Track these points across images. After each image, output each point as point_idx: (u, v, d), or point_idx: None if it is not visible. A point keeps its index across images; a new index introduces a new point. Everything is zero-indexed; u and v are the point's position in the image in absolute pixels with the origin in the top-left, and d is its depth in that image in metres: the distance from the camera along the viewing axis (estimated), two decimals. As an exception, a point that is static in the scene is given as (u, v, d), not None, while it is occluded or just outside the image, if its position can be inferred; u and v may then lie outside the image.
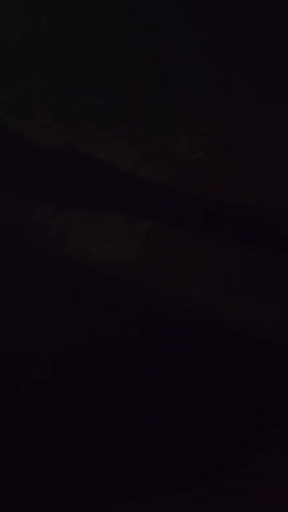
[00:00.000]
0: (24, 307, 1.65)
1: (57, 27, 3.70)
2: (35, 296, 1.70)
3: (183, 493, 1.08)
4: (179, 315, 1.55)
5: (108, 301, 1.63)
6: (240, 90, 3.32)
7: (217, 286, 1.69)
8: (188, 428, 1.22)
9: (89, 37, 4.24)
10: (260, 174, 2.38)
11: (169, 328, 1.52)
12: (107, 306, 1.60)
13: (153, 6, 4.09)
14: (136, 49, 4.07)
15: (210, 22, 3.63)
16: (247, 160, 2.49)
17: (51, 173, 2.38)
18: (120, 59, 3.92)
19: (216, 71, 3.67)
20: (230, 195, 2.22)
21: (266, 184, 2.31)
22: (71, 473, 1.13)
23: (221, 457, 1.17)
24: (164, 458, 1.13)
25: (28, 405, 1.27)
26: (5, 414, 1.24)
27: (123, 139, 2.67)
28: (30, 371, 1.34)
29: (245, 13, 3.28)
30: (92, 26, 4.48)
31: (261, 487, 1.09)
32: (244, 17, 3.33)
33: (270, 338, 1.49)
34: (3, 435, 1.19)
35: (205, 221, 2.04)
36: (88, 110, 3.02)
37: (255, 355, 1.45)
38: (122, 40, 4.28)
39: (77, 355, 1.46)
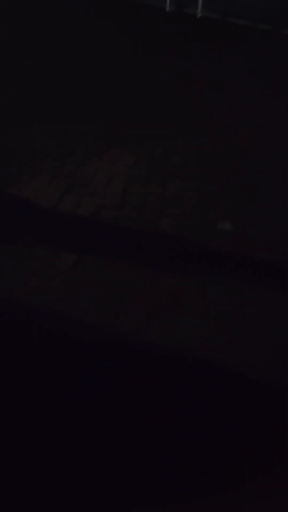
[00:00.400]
0: None
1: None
2: None
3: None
4: (105, 339, 1.60)
5: (34, 332, 1.62)
6: (159, 123, 3.56)
7: (141, 310, 1.77)
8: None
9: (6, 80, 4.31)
10: (180, 199, 2.55)
11: (95, 353, 1.55)
12: (34, 338, 1.59)
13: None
14: (55, 83, 4.21)
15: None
16: (168, 188, 2.66)
17: None
18: (41, 95, 4.02)
19: (136, 102, 3.90)
20: (152, 223, 2.35)
21: (188, 207, 2.48)
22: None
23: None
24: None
25: None
26: None
27: (44, 175, 2.72)
28: None
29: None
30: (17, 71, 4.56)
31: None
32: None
33: (194, 355, 1.59)
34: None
35: (129, 250, 2.14)
36: (8, 147, 3.05)
37: (181, 372, 1.53)
38: (44, 75, 4.40)
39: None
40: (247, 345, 1.66)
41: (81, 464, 1.21)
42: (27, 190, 2.55)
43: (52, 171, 2.77)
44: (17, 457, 1.21)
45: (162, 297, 1.86)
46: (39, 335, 1.64)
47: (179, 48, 6.48)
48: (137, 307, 1.80)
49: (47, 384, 1.45)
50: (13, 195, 2.50)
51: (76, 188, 2.60)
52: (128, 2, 10.93)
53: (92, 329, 1.68)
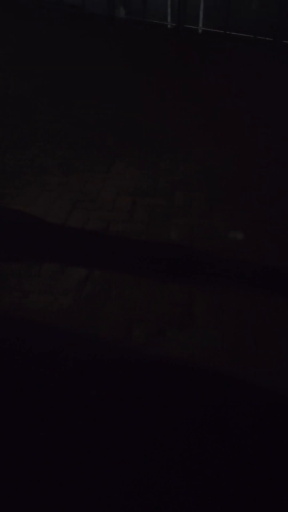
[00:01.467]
0: None
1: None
2: None
3: None
4: (117, 355, 1.56)
5: (47, 350, 1.59)
6: (163, 135, 3.57)
7: (153, 324, 1.73)
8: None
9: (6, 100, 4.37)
10: (188, 209, 2.53)
11: (112, 369, 1.51)
12: (47, 355, 1.56)
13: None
14: (64, 106, 4.27)
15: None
16: (175, 199, 2.65)
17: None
18: (47, 112, 4.08)
19: (141, 119, 3.92)
20: (161, 235, 2.33)
21: (196, 217, 2.46)
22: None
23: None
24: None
25: None
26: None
27: (52, 190, 2.73)
28: None
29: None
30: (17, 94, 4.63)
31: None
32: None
33: (208, 368, 1.54)
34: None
35: (138, 263, 2.12)
36: (16, 164, 3.07)
37: (194, 386, 1.48)
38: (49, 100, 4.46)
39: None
40: (263, 356, 1.61)
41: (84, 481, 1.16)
42: (35, 206, 2.56)
43: (60, 187, 2.78)
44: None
45: (173, 310, 1.83)
46: (49, 352, 1.62)
47: (182, 62, 6.56)
48: (149, 321, 1.77)
49: (57, 401, 1.42)
50: (22, 211, 2.51)
51: (84, 203, 2.60)
52: (130, 21, 11.16)
53: (103, 344, 1.65)
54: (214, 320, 1.77)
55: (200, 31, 9.38)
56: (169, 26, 9.98)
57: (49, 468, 1.23)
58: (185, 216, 2.50)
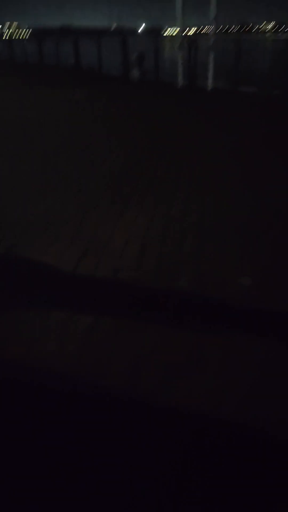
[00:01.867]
0: None
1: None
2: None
3: None
4: (122, 403, 1.52)
5: (51, 396, 1.57)
6: (174, 183, 3.69)
7: (160, 372, 1.70)
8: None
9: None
10: (197, 256, 2.55)
11: (117, 416, 1.47)
12: (51, 402, 1.54)
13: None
14: (69, 157, 4.49)
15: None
16: (184, 246, 2.68)
17: (-8, 278, 2.42)
18: (60, 164, 4.29)
19: (148, 175, 4.06)
20: (170, 282, 2.34)
21: (205, 264, 2.47)
22: None
23: None
24: None
25: None
26: None
27: (64, 239, 2.82)
28: None
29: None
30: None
31: None
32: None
33: (214, 417, 1.48)
34: None
35: (146, 310, 2.12)
36: (30, 215, 3.20)
37: (201, 435, 1.42)
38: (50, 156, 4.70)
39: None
40: (272, 406, 1.54)
41: None
42: (47, 255, 2.62)
43: (71, 236, 2.86)
44: None
45: (180, 358, 1.79)
46: (56, 400, 1.60)
47: (191, 115, 6.88)
48: (156, 369, 1.74)
49: (64, 447, 1.38)
50: (34, 260, 2.57)
51: (94, 251, 2.66)
52: (143, 81, 11.86)
53: (109, 393, 1.62)
54: (222, 369, 1.73)
55: (209, 87, 9.90)
56: (180, 84, 10.59)
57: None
58: (195, 263, 2.51)
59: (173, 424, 1.49)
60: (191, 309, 2.11)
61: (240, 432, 1.46)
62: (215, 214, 3.15)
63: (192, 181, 3.85)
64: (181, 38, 10.16)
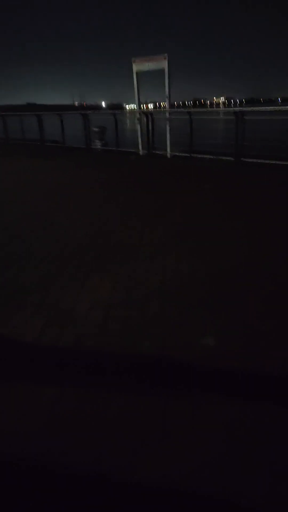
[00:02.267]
0: None
1: None
2: None
3: None
4: (89, 478, 1.44)
5: (10, 477, 1.46)
6: (138, 247, 3.78)
7: (126, 442, 1.63)
8: None
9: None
10: (161, 319, 2.57)
11: (79, 494, 1.37)
12: (11, 481, 1.43)
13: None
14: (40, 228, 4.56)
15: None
16: (148, 309, 2.70)
17: None
18: (23, 231, 4.33)
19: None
20: (134, 346, 2.33)
21: (169, 326, 2.48)
22: None
23: None
24: None
25: None
26: None
27: (27, 308, 2.78)
28: None
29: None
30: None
31: None
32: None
33: (186, 488, 1.42)
34: None
35: (109, 377, 2.08)
36: (-8, 287, 3.16)
37: (174, 508, 1.35)
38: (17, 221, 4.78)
39: None
40: (243, 473, 1.51)
41: None
42: (9, 326, 2.57)
43: (35, 305, 2.84)
44: None
45: (146, 426, 1.75)
46: (16, 480, 1.49)
47: (154, 181, 7.25)
48: (120, 439, 1.68)
49: None
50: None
51: (57, 319, 2.64)
52: (105, 151, 12.54)
53: (75, 468, 1.54)
54: (189, 435, 1.69)
55: (168, 155, 10.58)
56: (140, 153, 11.25)
57: None
58: (159, 325, 2.53)
59: (144, 497, 1.42)
60: (157, 373, 2.10)
61: (214, 501, 1.40)
62: (176, 276, 3.23)
63: (152, 244, 3.97)
64: (139, 112, 10.99)
